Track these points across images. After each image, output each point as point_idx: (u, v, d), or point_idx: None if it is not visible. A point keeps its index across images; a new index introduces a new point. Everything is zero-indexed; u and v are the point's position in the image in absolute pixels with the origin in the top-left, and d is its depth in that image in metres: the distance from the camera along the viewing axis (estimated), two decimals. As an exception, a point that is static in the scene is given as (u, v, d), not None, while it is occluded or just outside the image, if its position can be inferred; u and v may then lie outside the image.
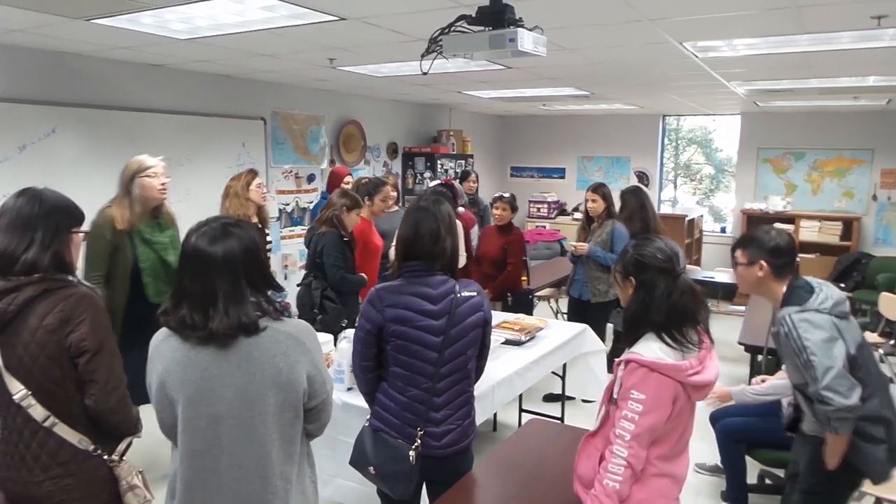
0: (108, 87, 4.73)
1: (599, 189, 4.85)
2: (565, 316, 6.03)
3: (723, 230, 9.13)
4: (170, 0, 3.01)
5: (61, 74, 4.46)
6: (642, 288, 1.94)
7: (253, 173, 3.97)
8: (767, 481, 3.74)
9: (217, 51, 4.29)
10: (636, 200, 5.19)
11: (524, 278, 5.07)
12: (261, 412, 1.63)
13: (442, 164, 7.89)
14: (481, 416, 2.75)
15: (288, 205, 6.41)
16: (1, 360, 1.78)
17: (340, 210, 3.90)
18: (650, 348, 1.89)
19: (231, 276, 1.62)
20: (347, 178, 5.12)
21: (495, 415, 4.30)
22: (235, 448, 1.63)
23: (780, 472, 3.60)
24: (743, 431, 3.35)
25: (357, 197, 4.10)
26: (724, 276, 7.13)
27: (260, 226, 3.90)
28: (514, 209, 4.94)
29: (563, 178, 9.71)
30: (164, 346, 1.66)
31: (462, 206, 5.56)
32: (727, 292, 8.05)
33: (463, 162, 8.33)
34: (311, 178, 6.60)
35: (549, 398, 4.75)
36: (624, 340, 2.01)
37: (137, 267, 3.17)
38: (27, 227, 1.82)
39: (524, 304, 4.95)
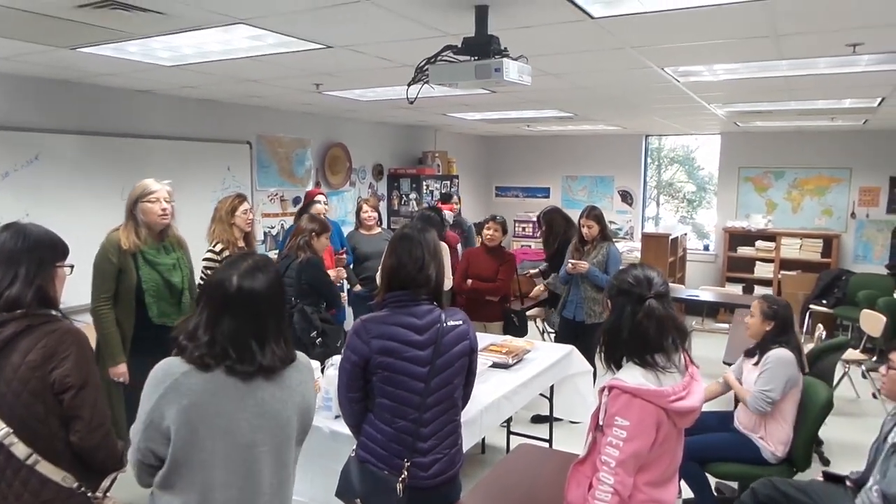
0: (92, 113, 4.72)
1: (593, 213, 4.87)
2: (552, 336, 6.05)
3: (706, 248, 9.22)
4: (156, 30, 3.03)
5: (44, 100, 4.44)
6: (614, 310, 2.01)
7: (240, 198, 3.97)
8: (724, 494, 3.82)
9: (203, 77, 4.30)
10: (561, 217, 5.58)
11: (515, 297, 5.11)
12: (289, 436, 1.75)
13: (427, 186, 7.92)
14: (469, 440, 2.74)
15: (273, 228, 6.40)
16: None
17: (310, 236, 3.96)
18: (632, 374, 1.92)
19: (276, 313, 1.73)
20: (319, 197, 5.10)
21: (483, 437, 4.28)
22: (270, 474, 1.70)
23: (733, 484, 3.68)
24: (695, 450, 3.40)
25: (325, 221, 4.16)
26: (707, 294, 7.20)
27: (247, 251, 3.90)
28: (504, 231, 4.97)
29: (547, 197, 9.78)
30: (186, 380, 1.61)
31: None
32: (711, 310, 8.12)
33: (448, 182, 8.37)
34: (296, 201, 6.59)
35: (537, 419, 4.74)
36: (603, 363, 2.06)
37: (140, 288, 3.23)
38: (11, 262, 1.82)
39: (523, 326, 4.98)
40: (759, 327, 3.47)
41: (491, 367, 3.52)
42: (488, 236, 4.92)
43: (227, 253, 3.84)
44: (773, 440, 3.30)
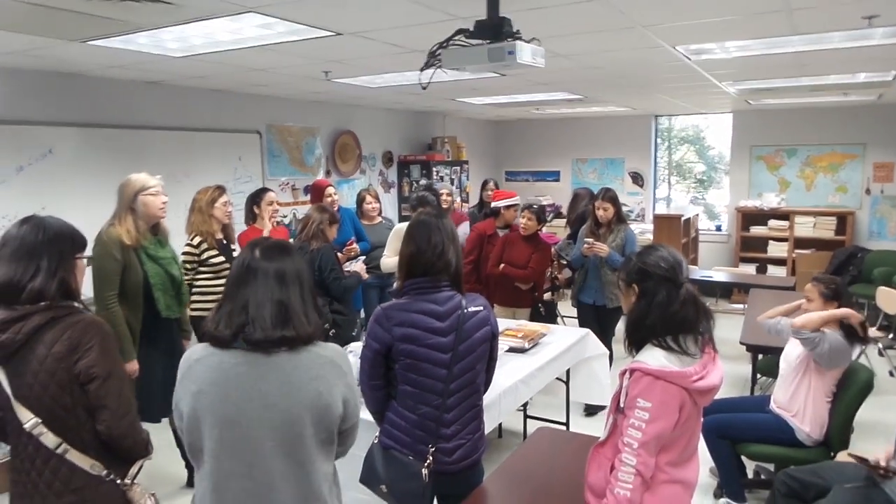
0: (103, 106, 4.74)
1: (608, 195, 4.78)
2: (564, 321, 6.05)
3: (718, 228, 9.16)
4: (166, 21, 3.02)
5: (57, 94, 4.46)
6: (644, 296, 1.97)
7: (220, 190, 3.93)
8: (762, 476, 3.80)
9: (212, 67, 4.30)
10: (580, 197, 5.85)
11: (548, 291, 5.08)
12: (298, 433, 1.63)
13: (437, 171, 7.90)
14: (488, 425, 2.75)
15: (286, 217, 6.41)
16: (10, 389, 1.78)
17: (324, 224, 4.00)
18: (655, 356, 1.91)
19: (299, 289, 1.68)
20: (330, 190, 5.09)
21: (500, 422, 4.30)
22: (275, 471, 1.63)
23: (770, 466, 3.67)
24: (727, 427, 3.43)
25: (334, 212, 4.18)
26: (721, 274, 7.17)
27: (226, 242, 3.88)
28: (540, 220, 4.88)
29: (557, 181, 9.75)
30: (198, 367, 1.65)
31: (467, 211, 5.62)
32: (725, 291, 8.08)
33: (458, 168, 8.35)
34: (307, 190, 6.60)
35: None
36: (627, 347, 2.04)
37: (147, 283, 3.23)
38: (32, 255, 1.83)
39: (550, 316, 4.94)
40: (823, 310, 3.33)
41: (507, 351, 3.53)
42: (522, 225, 4.85)
43: (204, 245, 3.83)
44: (808, 420, 3.26)
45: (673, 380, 1.86)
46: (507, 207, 5.10)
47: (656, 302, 1.93)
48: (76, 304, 1.89)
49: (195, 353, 1.67)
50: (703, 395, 1.95)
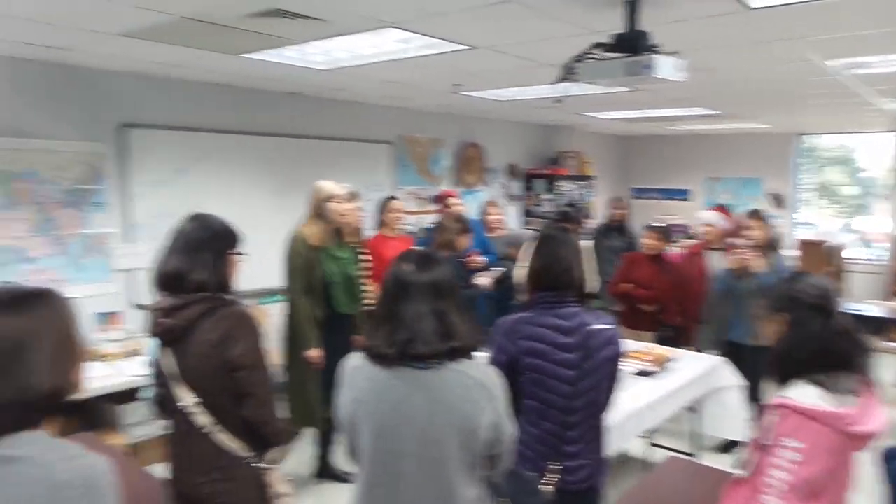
0: (250, 115, 5.08)
1: (756, 215, 4.37)
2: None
3: (872, 257, 8.34)
4: (315, 35, 3.21)
5: (210, 103, 4.84)
6: (795, 326, 1.84)
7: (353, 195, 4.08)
8: None
9: (352, 79, 4.51)
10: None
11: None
12: (442, 454, 1.60)
13: (562, 186, 7.80)
14: (611, 448, 2.66)
15: (411, 225, 6.57)
16: (178, 368, 1.95)
17: (454, 234, 4.08)
18: (806, 394, 1.76)
19: (453, 299, 1.68)
20: (451, 200, 5.15)
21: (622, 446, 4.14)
22: (418, 487, 1.62)
23: None
24: None
25: (468, 222, 4.21)
26: (873, 308, 6.52)
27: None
28: (665, 239, 4.63)
29: (686, 199, 9.31)
30: (357, 375, 1.67)
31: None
32: (877, 327, 7.33)
33: (583, 183, 8.21)
34: (433, 199, 6.74)
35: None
36: (773, 382, 1.89)
37: (326, 280, 3.53)
38: (198, 249, 2.00)
39: (677, 342, 4.47)
40: None
41: (636, 374, 3.40)
42: (646, 244, 4.67)
43: None
44: None
45: (826, 421, 1.70)
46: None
47: (809, 334, 1.79)
48: (229, 297, 2.04)
49: (354, 360, 1.70)
50: (860, 442, 1.77)
